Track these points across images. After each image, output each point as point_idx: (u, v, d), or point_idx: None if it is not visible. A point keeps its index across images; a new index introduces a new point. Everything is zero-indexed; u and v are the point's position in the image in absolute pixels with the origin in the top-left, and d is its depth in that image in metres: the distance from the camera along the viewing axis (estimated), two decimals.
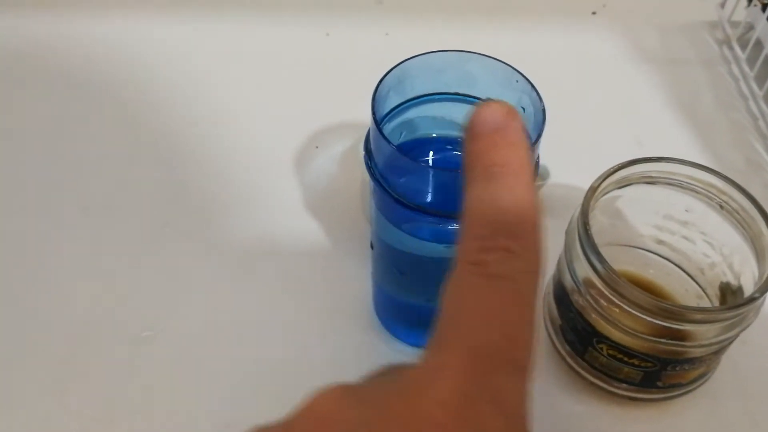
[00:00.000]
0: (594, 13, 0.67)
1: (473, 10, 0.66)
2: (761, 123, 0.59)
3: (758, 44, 0.60)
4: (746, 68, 0.62)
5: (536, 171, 0.35)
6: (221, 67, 0.61)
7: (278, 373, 0.44)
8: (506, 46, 0.62)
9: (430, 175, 0.34)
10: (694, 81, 0.62)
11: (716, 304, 0.43)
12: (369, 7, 0.66)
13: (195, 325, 0.46)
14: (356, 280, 0.47)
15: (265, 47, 0.62)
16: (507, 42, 0.63)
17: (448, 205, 0.34)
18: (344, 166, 0.54)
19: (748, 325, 0.38)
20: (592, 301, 0.39)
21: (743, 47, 0.62)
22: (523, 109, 0.36)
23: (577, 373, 0.43)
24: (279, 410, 0.42)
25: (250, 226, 0.51)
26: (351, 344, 0.45)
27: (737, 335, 0.39)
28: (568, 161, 0.50)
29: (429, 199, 0.34)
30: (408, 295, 0.42)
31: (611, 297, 0.37)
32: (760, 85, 0.59)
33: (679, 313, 0.36)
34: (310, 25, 0.64)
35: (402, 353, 0.45)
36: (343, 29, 0.63)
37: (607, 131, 0.58)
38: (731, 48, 0.64)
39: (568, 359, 0.43)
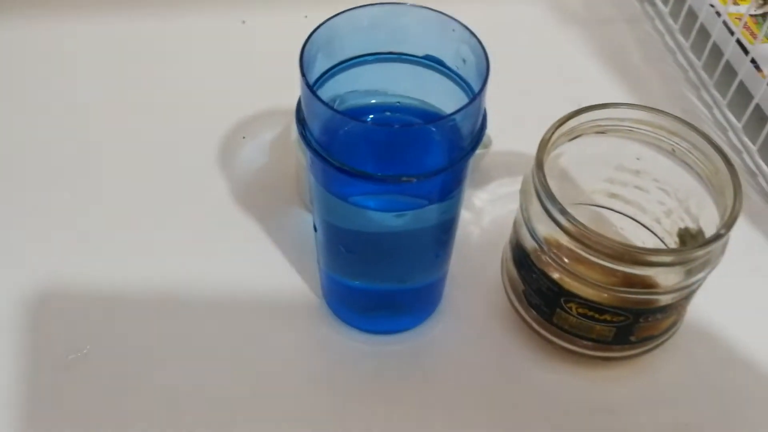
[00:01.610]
0: None
1: None
2: (691, 74, 0.59)
3: None
4: (670, 21, 0.61)
5: (484, 124, 0.33)
6: (137, 62, 0.57)
7: (229, 380, 0.41)
8: None
9: (373, 134, 0.31)
10: (622, 39, 0.61)
11: None
12: None
13: (129, 340, 0.42)
14: (301, 271, 0.45)
15: (178, 40, 0.58)
16: None
17: (395, 166, 0.32)
18: (275, 155, 0.50)
19: (715, 267, 0.37)
20: (556, 258, 0.36)
21: (665, 2, 0.62)
22: (464, 60, 0.34)
23: (546, 338, 0.41)
24: (234, 419, 0.39)
25: (179, 228, 0.47)
26: (304, 338, 0.42)
27: (705, 277, 0.37)
28: (509, 129, 0.48)
29: (374, 162, 0.32)
30: (358, 278, 0.39)
31: (577, 250, 0.35)
32: (686, 37, 0.59)
33: (647, 255, 0.34)
34: (225, 14, 0.60)
35: (357, 341, 0.42)
36: (259, 15, 0.60)
37: (543, 96, 0.56)
38: (653, 4, 0.63)
39: (535, 325, 0.41)
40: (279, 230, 0.47)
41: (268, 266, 0.45)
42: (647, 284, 0.36)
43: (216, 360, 0.42)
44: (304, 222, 0.46)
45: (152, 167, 0.50)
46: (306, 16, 0.60)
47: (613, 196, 0.44)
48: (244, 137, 0.52)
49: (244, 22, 0.60)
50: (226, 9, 0.60)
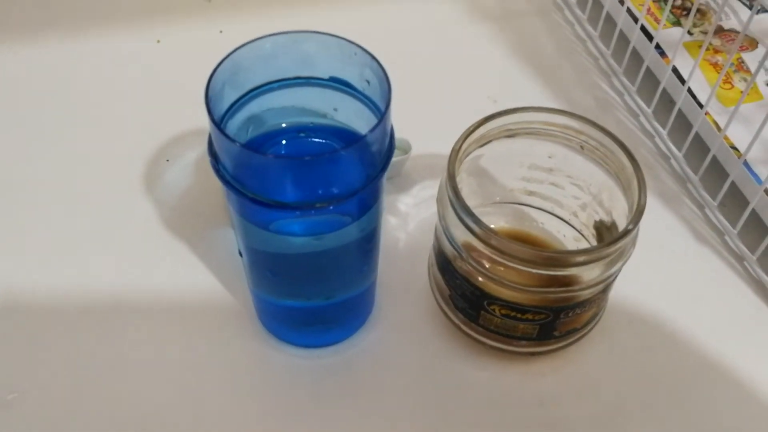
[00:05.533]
0: None
1: None
2: (602, 62, 0.60)
3: None
4: (578, 12, 0.63)
5: (392, 143, 0.34)
6: (52, 88, 0.56)
7: (166, 401, 0.41)
8: (344, 26, 0.60)
9: (285, 166, 0.32)
10: (533, 32, 0.63)
11: (594, 243, 0.43)
12: (199, 7, 0.63)
13: (66, 378, 0.42)
14: (232, 291, 0.45)
15: (93, 63, 0.58)
16: (344, 22, 0.61)
17: (310, 193, 0.32)
18: (200, 176, 0.51)
19: (629, 258, 0.38)
20: (475, 264, 0.38)
21: None
22: (368, 82, 0.35)
23: (474, 339, 0.42)
24: None
25: (107, 254, 0.47)
26: (239, 355, 0.43)
27: (620, 269, 0.39)
28: (428, 131, 0.49)
29: (289, 191, 0.32)
30: (287, 297, 0.40)
31: (493, 256, 0.36)
32: (594, 26, 0.61)
33: (562, 259, 0.36)
34: (139, 34, 0.60)
35: (292, 356, 0.43)
36: (174, 33, 0.60)
37: (460, 95, 0.57)
38: None
39: (463, 327, 0.42)
40: (208, 252, 0.47)
41: (200, 288, 0.45)
42: (565, 282, 0.37)
43: (152, 382, 0.42)
44: (233, 242, 0.47)
45: (76, 196, 0.50)
46: (221, 31, 0.60)
47: (531, 193, 0.45)
48: (167, 160, 0.51)
49: (159, 41, 0.59)
50: (141, 29, 0.60)
